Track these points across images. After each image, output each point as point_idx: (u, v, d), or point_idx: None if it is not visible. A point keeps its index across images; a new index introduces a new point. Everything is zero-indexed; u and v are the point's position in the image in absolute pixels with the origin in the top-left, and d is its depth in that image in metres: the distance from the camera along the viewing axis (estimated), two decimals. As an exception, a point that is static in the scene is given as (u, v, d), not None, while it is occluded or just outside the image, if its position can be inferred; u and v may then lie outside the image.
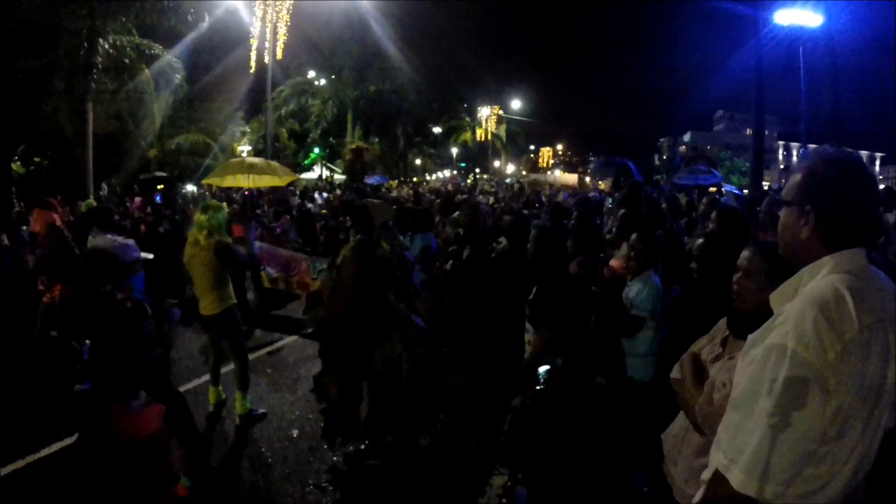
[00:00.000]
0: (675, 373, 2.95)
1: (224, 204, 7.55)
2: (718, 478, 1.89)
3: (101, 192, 18.56)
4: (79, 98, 19.44)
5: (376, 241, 5.52)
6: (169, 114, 29.07)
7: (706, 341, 2.96)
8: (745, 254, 2.73)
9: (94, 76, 19.18)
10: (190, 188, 25.11)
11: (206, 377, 7.20)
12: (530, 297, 4.97)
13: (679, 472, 2.88)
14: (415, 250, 7.56)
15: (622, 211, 7.18)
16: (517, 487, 4.57)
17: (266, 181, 12.61)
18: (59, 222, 9.73)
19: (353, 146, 16.93)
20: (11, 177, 23.06)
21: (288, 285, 10.84)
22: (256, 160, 12.76)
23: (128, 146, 27.50)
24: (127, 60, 21.12)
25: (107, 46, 19.44)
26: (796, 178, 1.97)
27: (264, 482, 5.30)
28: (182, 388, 7.13)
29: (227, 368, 6.91)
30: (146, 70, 23.15)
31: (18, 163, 26.63)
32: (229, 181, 12.41)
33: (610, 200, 12.91)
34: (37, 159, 27.57)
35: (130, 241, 5.47)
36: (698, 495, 2.02)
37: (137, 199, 13.33)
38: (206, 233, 6.23)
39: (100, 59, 19.21)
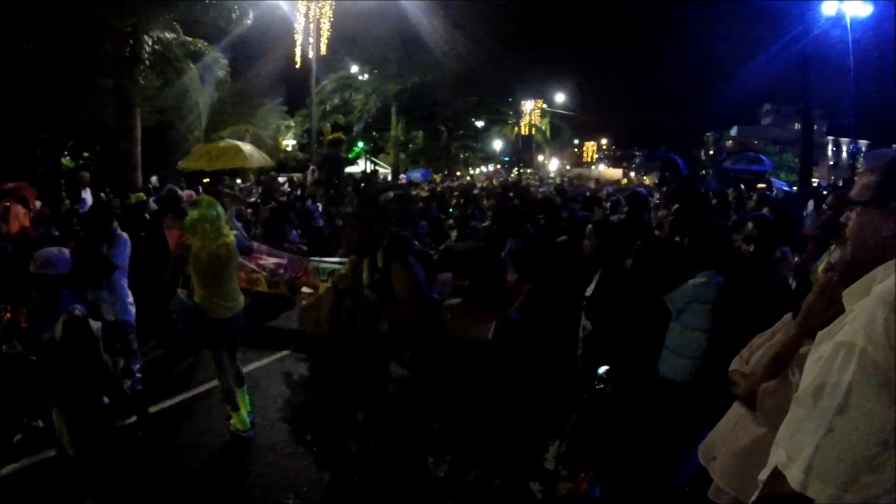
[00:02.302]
0: (734, 364, 2.89)
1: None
2: (777, 475, 1.80)
3: (150, 185, 18.82)
4: (125, 93, 19.80)
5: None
6: (214, 108, 29.43)
7: (767, 338, 2.88)
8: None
9: (140, 72, 19.52)
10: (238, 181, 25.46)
11: (201, 389, 7.09)
12: (588, 292, 4.93)
13: (717, 467, 2.83)
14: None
15: (675, 206, 7.06)
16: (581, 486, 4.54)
17: (237, 162, 12.24)
18: (27, 222, 8.76)
19: (330, 138, 16.62)
20: (61, 171, 23.62)
21: (292, 289, 9.59)
22: (233, 143, 12.59)
23: (174, 140, 27.92)
24: (171, 57, 21.44)
25: (151, 43, 19.78)
26: (870, 178, 1.93)
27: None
28: (177, 399, 7.03)
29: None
30: (191, 66, 23.45)
31: (68, 158, 27.23)
32: (192, 162, 12.28)
33: (657, 196, 12.66)
34: (85, 154, 28.15)
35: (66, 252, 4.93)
36: (755, 494, 1.97)
37: (186, 192, 13.41)
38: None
39: (145, 56, 19.56)
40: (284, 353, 8.75)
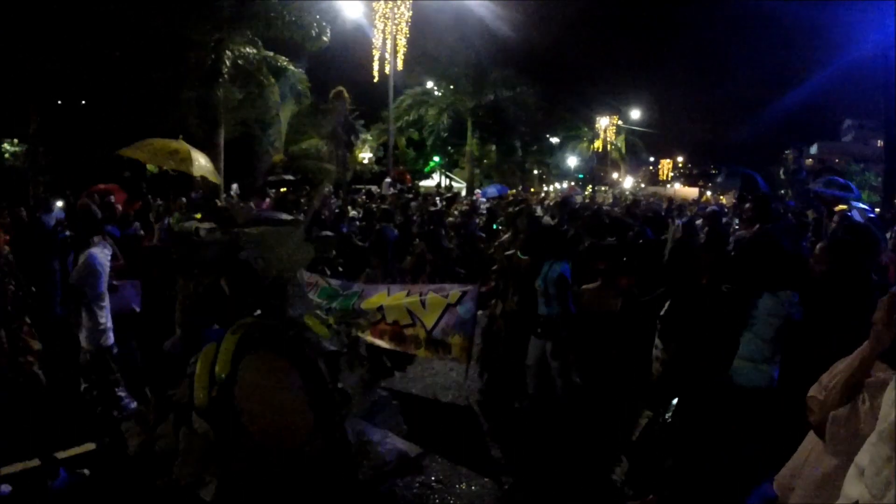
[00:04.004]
0: (813, 391, 2.82)
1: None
2: None
3: (231, 193, 19.25)
4: (209, 105, 20.54)
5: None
6: (293, 121, 30.13)
7: (848, 363, 2.80)
8: None
9: (222, 85, 20.25)
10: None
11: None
12: (662, 311, 4.89)
13: (795, 500, 2.78)
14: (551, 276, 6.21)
15: (757, 227, 6.95)
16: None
17: (181, 166, 12.19)
18: None
19: (334, 91, 15.86)
20: (145, 176, 24.51)
21: None
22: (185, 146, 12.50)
23: (255, 151, 28.68)
24: (253, 71, 22.16)
25: (233, 57, 20.49)
26: None
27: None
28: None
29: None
30: (272, 80, 24.09)
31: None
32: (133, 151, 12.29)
33: (737, 221, 12.19)
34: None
35: None
36: None
37: (267, 201, 13.68)
38: None
39: (225, 70, 20.26)
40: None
